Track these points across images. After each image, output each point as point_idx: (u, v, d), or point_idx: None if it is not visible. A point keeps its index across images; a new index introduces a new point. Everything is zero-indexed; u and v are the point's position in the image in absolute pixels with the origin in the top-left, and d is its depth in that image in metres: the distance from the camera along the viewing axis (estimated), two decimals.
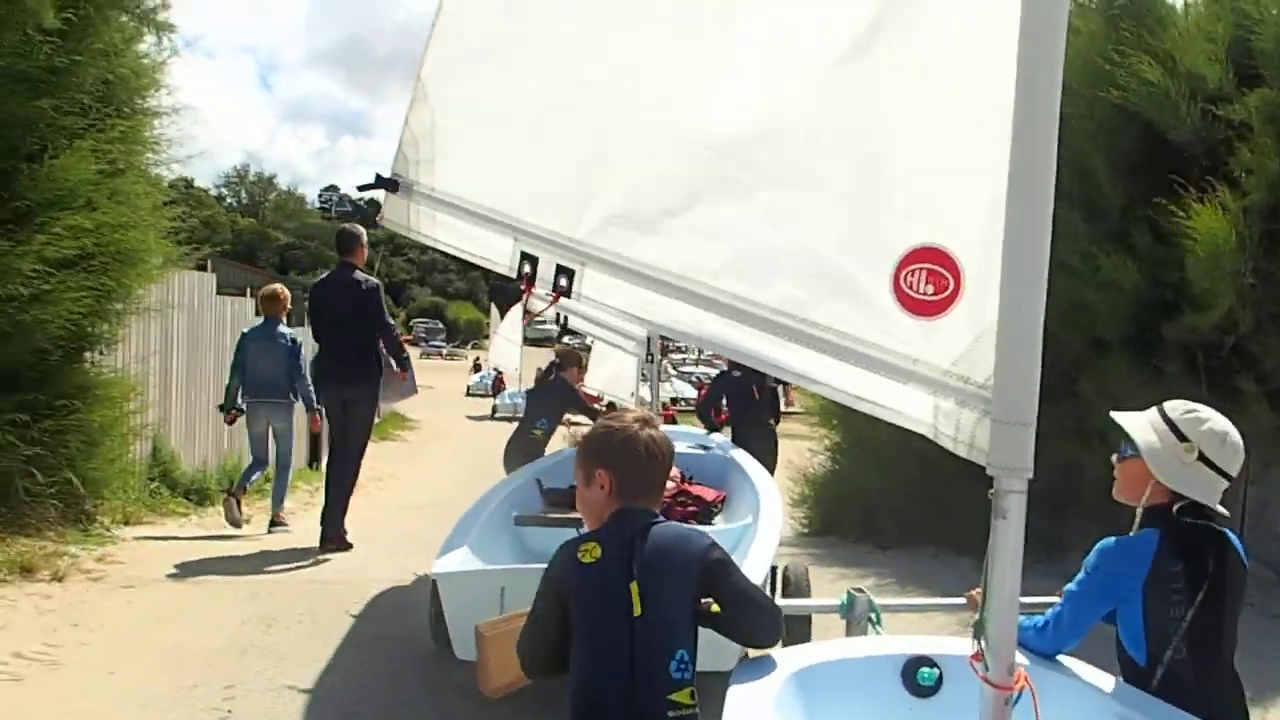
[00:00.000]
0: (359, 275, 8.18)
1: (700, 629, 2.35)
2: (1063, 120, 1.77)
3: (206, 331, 13.08)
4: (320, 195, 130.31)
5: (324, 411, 8.55)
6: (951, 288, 1.90)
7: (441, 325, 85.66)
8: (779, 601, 3.19)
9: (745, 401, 9.80)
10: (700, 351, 47.51)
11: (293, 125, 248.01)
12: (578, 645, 2.32)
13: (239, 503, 9.23)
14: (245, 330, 9.72)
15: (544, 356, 9.88)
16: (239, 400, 9.18)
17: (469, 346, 74.52)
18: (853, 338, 2.06)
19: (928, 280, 1.93)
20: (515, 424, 8.67)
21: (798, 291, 2.18)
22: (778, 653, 2.48)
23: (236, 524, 9.13)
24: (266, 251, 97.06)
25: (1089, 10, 8.69)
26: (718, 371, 11.40)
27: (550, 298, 2.73)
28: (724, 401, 10.54)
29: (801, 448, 13.02)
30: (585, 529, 2.47)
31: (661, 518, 2.42)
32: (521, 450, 7.49)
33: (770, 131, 2.25)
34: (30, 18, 7.22)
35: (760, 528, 5.48)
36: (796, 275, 2.21)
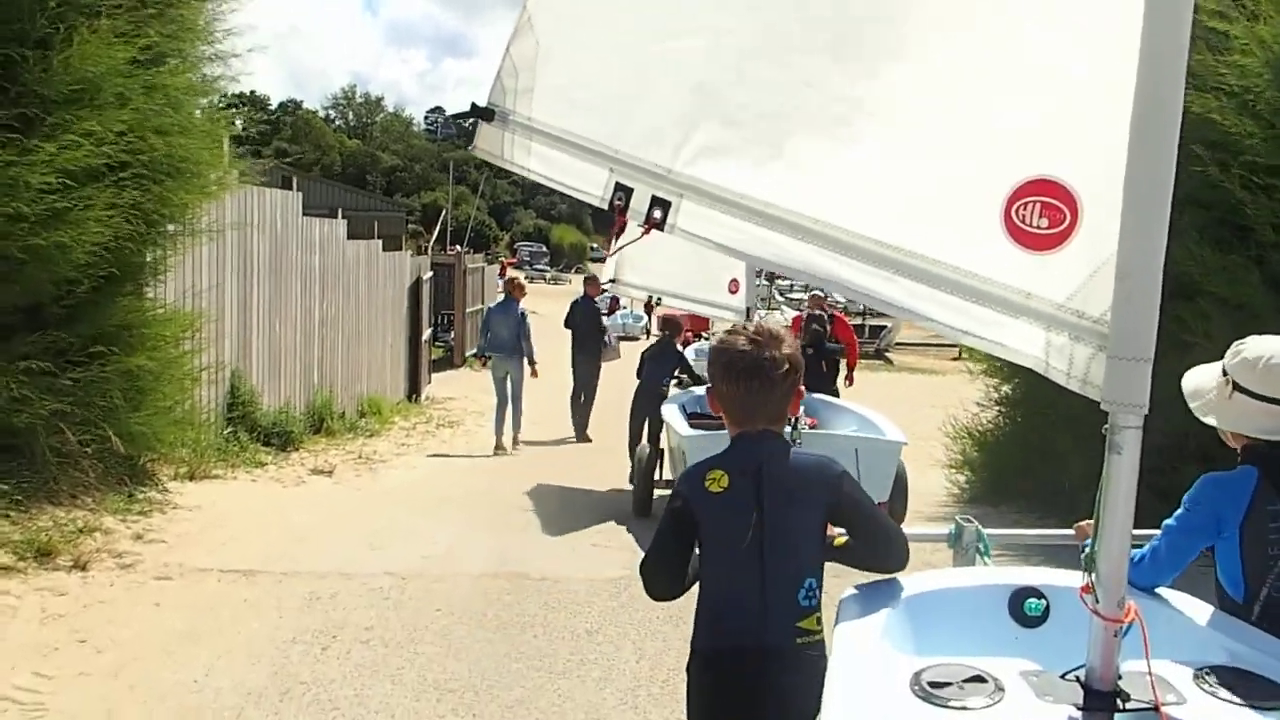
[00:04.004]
0: (596, 302, 13.90)
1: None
2: None
3: (291, 255, 11.78)
4: (426, 118, 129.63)
5: (575, 371, 13.36)
6: (1067, 221, 1.89)
7: (545, 249, 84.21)
8: None
9: (816, 375, 10.18)
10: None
11: (397, 48, 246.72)
12: (706, 574, 2.35)
13: (500, 441, 12.31)
14: (490, 306, 14.48)
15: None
16: (485, 355, 12.83)
17: (573, 271, 73.06)
18: (961, 270, 2.04)
19: (1041, 213, 1.92)
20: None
21: (904, 224, 2.14)
22: (885, 580, 2.41)
23: (502, 450, 12.28)
24: (374, 174, 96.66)
25: None
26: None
27: (643, 228, 2.63)
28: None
29: (959, 395, 11.23)
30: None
31: (785, 443, 2.40)
32: (647, 403, 9.36)
33: (877, 62, 2.22)
34: None
35: (876, 421, 8.04)
36: (902, 207, 2.17)
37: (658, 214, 2.55)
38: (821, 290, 13.87)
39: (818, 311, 12.15)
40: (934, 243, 2.09)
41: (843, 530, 2.40)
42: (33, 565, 5.57)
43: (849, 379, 12.24)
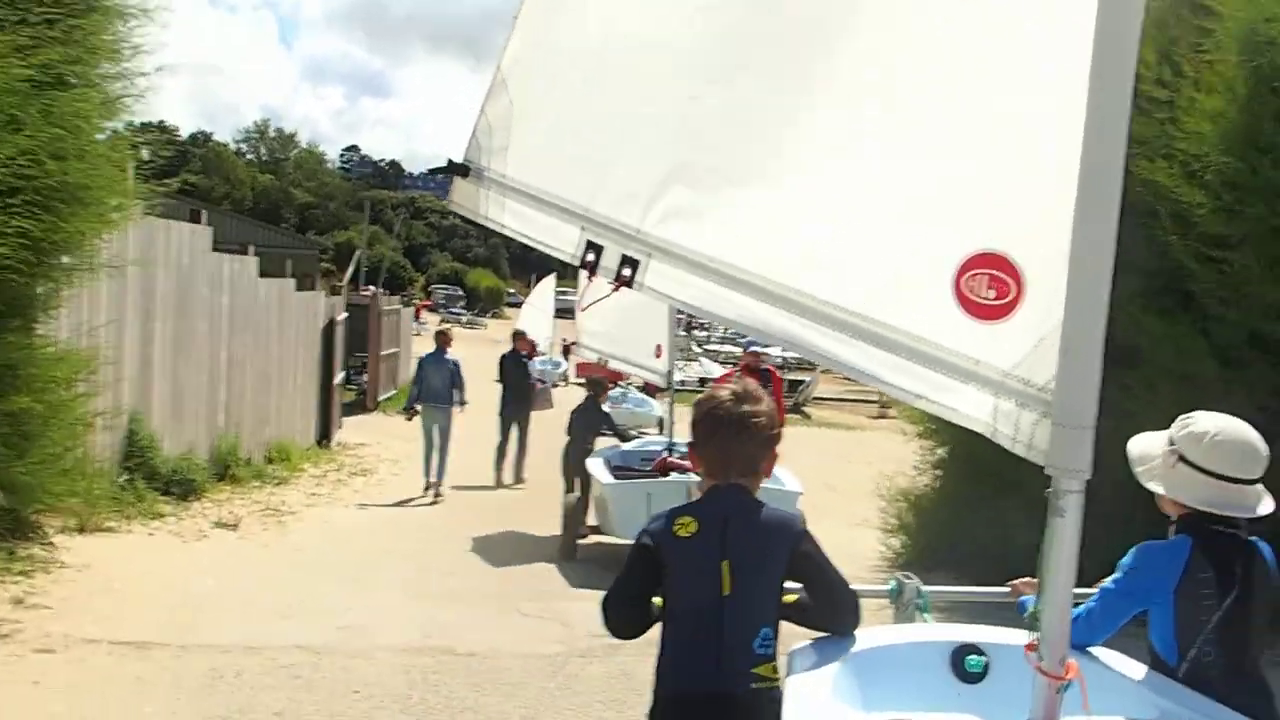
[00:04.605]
0: (523, 355, 14.37)
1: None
2: None
3: (198, 292, 11.16)
4: (342, 155, 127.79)
5: (504, 419, 13.71)
6: (1013, 294, 2.00)
7: (461, 292, 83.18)
8: None
9: None
10: (725, 328, 46.14)
11: (312, 84, 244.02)
12: (668, 616, 2.41)
13: (429, 482, 12.23)
14: (422, 356, 13.52)
15: (569, 328, 13.80)
16: (415, 404, 12.69)
17: (489, 315, 72.28)
18: (914, 336, 2.13)
19: (989, 285, 2.01)
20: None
21: (861, 290, 2.24)
22: (832, 639, 2.48)
23: (433, 497, 12.12)
24: (288, 210, 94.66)
25: None
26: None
27: (613, 286, 2.69)
28: None
29: (879, 451, 11.13)
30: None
31: (755, 498, 2.47)
32: (576, 458, 9.97)
33: (843, 139, 2.33)
34: None
35: (775, 472, 8.15)
36: (860, 275, 2.27)
37: (627, 272, 2.63)
38: (760, 345, 13.71)
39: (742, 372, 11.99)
40: (890, 309, 2.19)
41: (798, 586, 2.44)
42: None
43: None
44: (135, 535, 8.02)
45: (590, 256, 2.71)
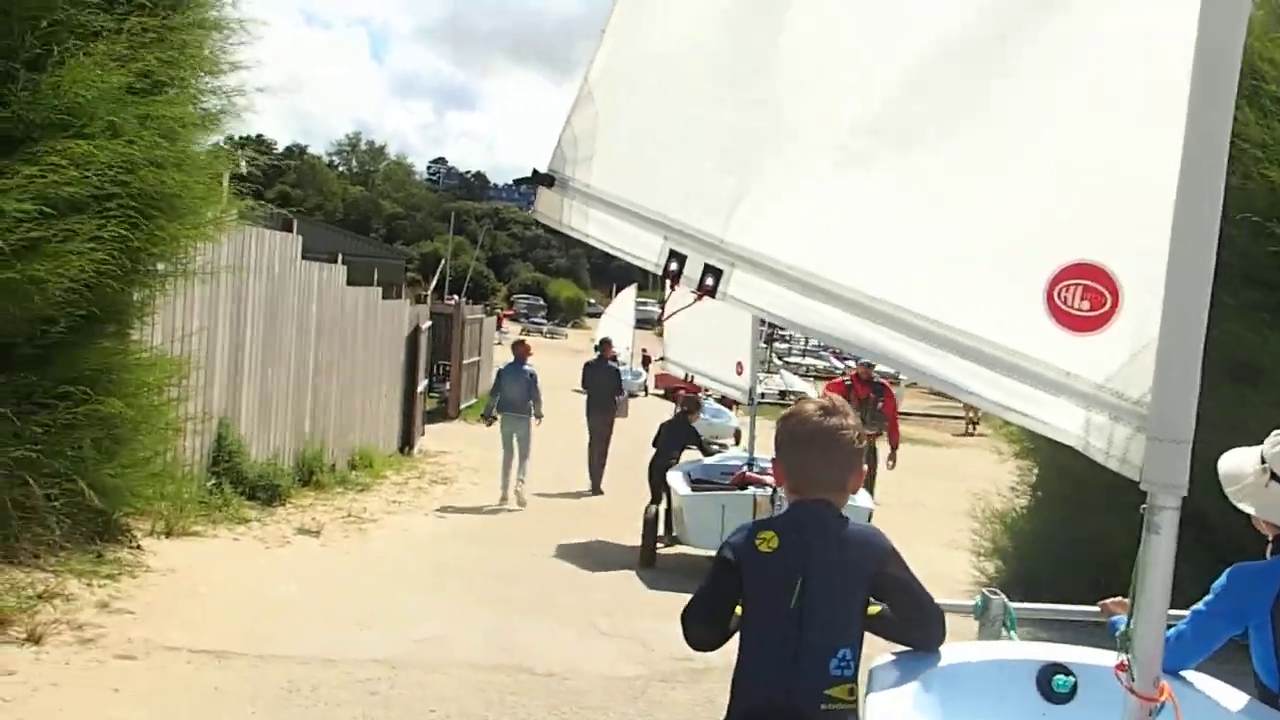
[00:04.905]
0: (610, 362, 15.00)
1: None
2: None
3: (288, 300, 11.30)
4: (429, 167, 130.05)
5: (590, 423, 14.19)
6: (1109, 305, 1.95)
7: (542, 302, 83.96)
8: None
9: None
10: (806, 341, 45.57)
11: (401, 98, 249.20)
12: (744, 630, 2.38)
13: (505, 494, 12.28)
14: (501, 367, 14.09)
15: (648, 338, 14.83)
16: (494, 412, 13.06)
17: (569, 325, 72.80)
18: (1003, 348, 2.10)
19: (1083, 296, 1.98)
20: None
21: (949, 299, 2.20)
22: (915, 654, 2.45)
23: (516, 503, 12.22)
24: (376, 221, 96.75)
25: None
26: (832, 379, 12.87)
27: (695, 295, 2.67)
28: None
29: (968, 469, 10.78)
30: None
31: (840, 514, 2.41)
32: (660, 470, 10.30)
33: (924, 142, 2.31)
34: None
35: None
36: (949, 284, 2.23)
37: (710, 281, 2.62)
38: (870, 361, 13.37)
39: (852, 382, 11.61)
40: (978, 320, 2.15)
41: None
42: None
43: (891, 460, 11.40)
44: (220, 540, 8.08)
45: (673, 266, 2.70)
